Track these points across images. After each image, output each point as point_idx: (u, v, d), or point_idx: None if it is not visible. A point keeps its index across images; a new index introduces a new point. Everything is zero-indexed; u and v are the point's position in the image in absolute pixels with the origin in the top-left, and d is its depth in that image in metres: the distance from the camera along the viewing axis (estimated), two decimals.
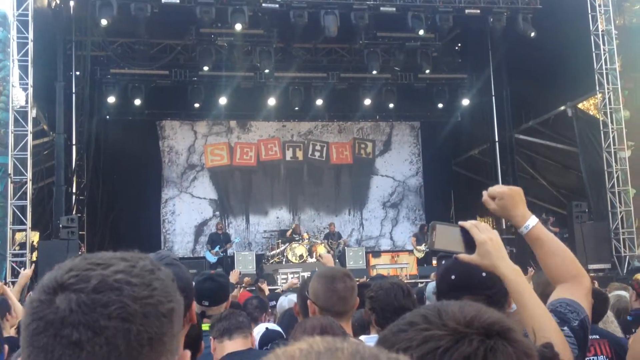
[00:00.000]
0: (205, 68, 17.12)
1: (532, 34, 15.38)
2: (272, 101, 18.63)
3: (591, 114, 16.21)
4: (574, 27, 15.42)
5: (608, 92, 15.23)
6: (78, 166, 16.80)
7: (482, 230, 1.83)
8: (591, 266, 13.70)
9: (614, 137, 15.19)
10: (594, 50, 15.27)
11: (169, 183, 19.68)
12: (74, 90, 16.70)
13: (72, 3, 15.84)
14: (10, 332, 4.75)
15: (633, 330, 3.85)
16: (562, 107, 16.45)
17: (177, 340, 0.98)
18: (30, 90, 13.25)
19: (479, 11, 15.76)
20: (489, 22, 15.74)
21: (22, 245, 13.08)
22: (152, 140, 19.58)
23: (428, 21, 15.57)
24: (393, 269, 16.28)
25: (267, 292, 8.63)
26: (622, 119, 15.29)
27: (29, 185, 13.14)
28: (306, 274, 13.23)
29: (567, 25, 15.47)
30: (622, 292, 5.59)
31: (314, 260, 16.31)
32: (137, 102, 17.98)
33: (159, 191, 19.53)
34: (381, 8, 15.38)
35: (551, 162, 18.40)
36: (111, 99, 17.89)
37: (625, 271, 14.49)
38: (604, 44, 15.28)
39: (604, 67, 15.23)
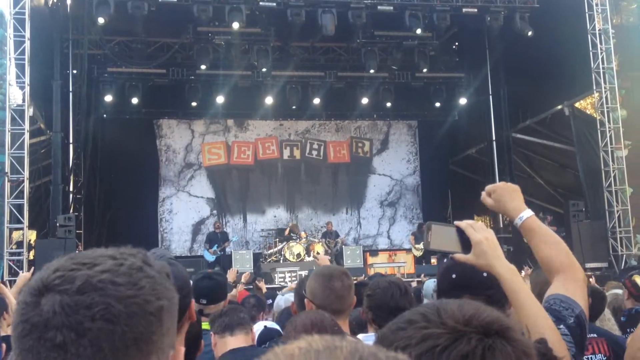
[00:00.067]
0: (203, 67, 17.10)
1: (530, 33, 15.40)
2: (269, 100, 18.62)
3: (588, 113, 16.24)
4: (571, 26, 15.43)
5: (605, 91, 15.25)
6: (75, 165, 16.78)
7: (477, 229, 1.83)
8: (588, 265, 13.72)
9: (611, 136, 15.22)
10: (591, 49, 15.28)
11: (166, 182, 19.66)
12: (71, 89, 16.69)
13: (69, 1, 15.82)
14: (7, 331, 4.73)
15: (628, 330, 3.84)
16: (559, 106, 16.47)
17: (171, 337, 0.97)
18: (27, 89, 13.22)
19: (476, 10, 15.78)
20: (486, 21, 15.75)
21: (19, 244, 13.07)
22: (149, 139, 19.56)
23: (425, 20, 15.58)
24: (390, 268, 16.28)
25: (264, 291, 8.63)
26: (619, 118, 15.32)
27: (26, 183, 13.12)
28: (303, 273, 13.24)
29: (564, 24, 15.48)
30: (619, 291, 5.59)
31: (311, 259, 16.33)
32: (135, 100, 17.96)
33: (156, 190, 19.52)
34: (378, 7, 15.39)
35: (548, 161, 18.43)
36: (108, 98, 17.87)
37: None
38: (601, 43, 15.30)
39: (601, 66, 15.25)
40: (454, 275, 2.22)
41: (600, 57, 15.25)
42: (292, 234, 17.35)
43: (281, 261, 16.68)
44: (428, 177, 20.92)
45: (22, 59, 13.19)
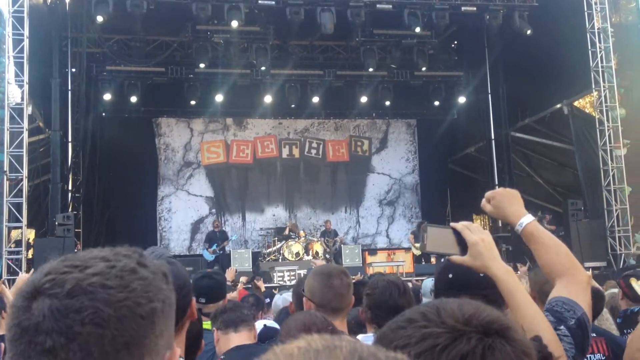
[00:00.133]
0: (202, 65, 17.10)
1: (528, 32, 15.40)
2: (268, 98, 18.61)
3: (587, 111, 16.25)
4: (570, 25, 15.43)
5: (604, 90, 15.25)
6: (74, 163, 16.76)
7: (473, 231, 1.83)
8: (587, 264, 13.70)
9: (609, 135, 15.22)
10: (589, 48, 15.28)
11: (165, 180, 19.66)
12: (69, 87, 16.64)
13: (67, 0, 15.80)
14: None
15: (625, 331, 3.83)
16: (558, 105, 16.47)
17: (166, 338, 0.96)
18: (26, 87, 13.20)
19: (475, 9, 15.77)
20: (485, 19, 15.76)
21: (18, 243, 13.06)
22: (148, 138, 19.55)
23: (424, 18, 15.58)
24: (389, 267, 16.29)
25: (263, 290, 8.63)
26: (618, 116, 15.31)
27: (25, 182, 13.10)
28: (302, 272, 13.25)
29: (563, 23, 15.49)
30: (617, 290, 5.59)
31: (310, 257, 16.34)
32: (133, 99, 17.94)
33: (155, 188, 19.51)
34: (377, 5, 15.37)
35: (547, 160, 18.44)
36: (107, 96, 17.86)
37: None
38: (599, 42, 15.30)
39: (599, 64, 15.25)
40: (450, 275, 2.22)
41: (599, 55, 15.25)
42: (291, 233, 17.35)
43: (280, 260, 16.69)
44: (427, 175, 20.92)
45: (21, 57, 13.16)
